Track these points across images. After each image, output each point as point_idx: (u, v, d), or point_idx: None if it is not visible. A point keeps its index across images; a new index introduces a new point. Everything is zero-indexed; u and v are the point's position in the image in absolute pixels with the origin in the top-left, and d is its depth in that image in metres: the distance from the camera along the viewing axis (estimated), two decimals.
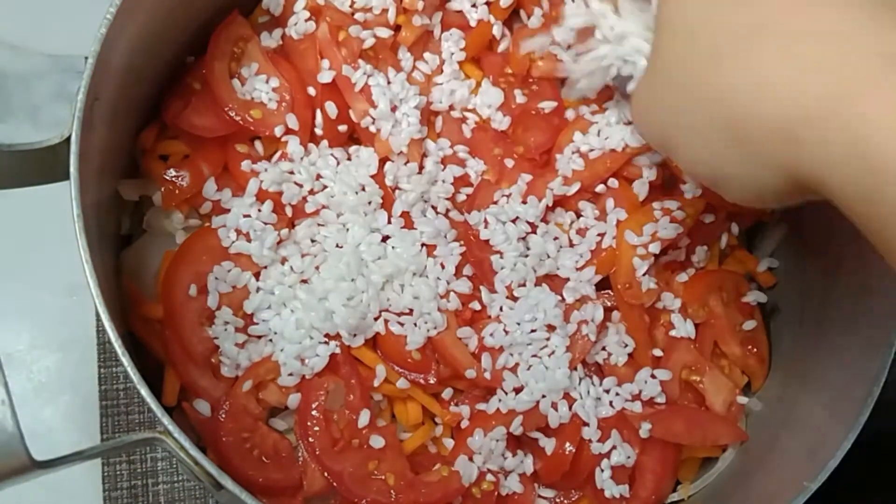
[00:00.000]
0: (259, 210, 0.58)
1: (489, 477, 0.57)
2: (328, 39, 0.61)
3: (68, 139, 0.48)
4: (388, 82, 0.62)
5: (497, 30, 0.67)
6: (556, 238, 0.61)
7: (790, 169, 0.39)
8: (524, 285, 0.60)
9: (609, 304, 0.61)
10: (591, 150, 0.62)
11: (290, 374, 0.56)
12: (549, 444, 0.58)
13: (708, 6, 0.42)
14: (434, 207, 0.61)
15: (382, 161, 0.61)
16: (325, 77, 0.61)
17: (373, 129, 0.61)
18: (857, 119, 0.34)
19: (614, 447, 0.59)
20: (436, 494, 0.55)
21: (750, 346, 0.63)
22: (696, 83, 0.42)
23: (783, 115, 0.37)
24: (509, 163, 0.64)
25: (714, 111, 0.41)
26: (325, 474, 0.54)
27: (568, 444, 0.58)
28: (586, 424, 0.58)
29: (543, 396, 0.58)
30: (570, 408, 0.58)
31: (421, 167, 0.62)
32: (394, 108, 0.61)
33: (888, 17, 0.36)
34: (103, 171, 0.55)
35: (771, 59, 0.38)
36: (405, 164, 0.61)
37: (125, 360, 0.46)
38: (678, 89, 0.44)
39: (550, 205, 0.62)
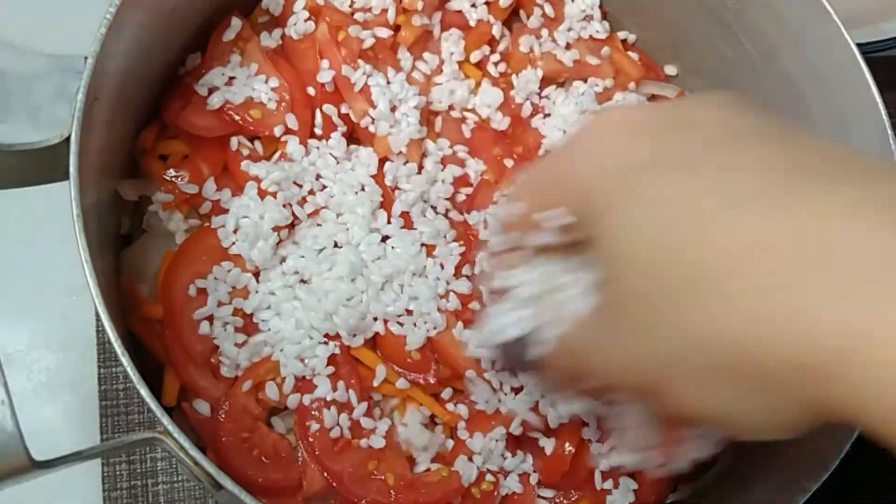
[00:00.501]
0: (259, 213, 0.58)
1: (489, 477, 0.57)
2: (328, 39, 0.61)
3: (68, 139, 0.48)
4: (388, 82, 0.62)
5: (497, 30, 0.67)
6: None
7: (816, 406, 0.32)
8: None
9: None
10: None
11: (291, 375, 0.56)
12: (548, 444, 0.58)
13: (667, 232, 0.34)
14: (434, 207, 0.61)
15: (382, 161, 0.61)
16: (325, 77, 0.61)
17: (372, 129, 0.61)
18: (890, 348, 0.29)
19: (614, 447, 0.59)
20: (435, 494, 0.55)
21: None
22: (677, 324, 0.34)
23: (800, 353, 0.31)
24: (509, 163, 0.64)
25: (710, 354, 0.33)
26: (325, 474, 0.54)
27: (567, 445, 0.58)
28: (586, 424, 0.58)
29: (543, 396, 0.58)
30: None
31: (420, 167, 0.62)
32: (393, 108, 0.61)
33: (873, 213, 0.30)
34: (103, 171, 0.55)
35: (767, 285, 0.31)
36: (404, 164, 0.61)
37: (125, 360, 0.46)
38: (651, 332, 0.35)
39: None
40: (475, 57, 0.66)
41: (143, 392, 0.46)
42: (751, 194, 0.32)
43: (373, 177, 0.60)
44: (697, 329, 0.33)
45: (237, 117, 0.59)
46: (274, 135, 0.60)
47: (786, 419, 0.34)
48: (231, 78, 0.61)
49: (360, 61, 0.61)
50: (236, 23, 0.62)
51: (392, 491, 0.54)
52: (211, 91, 0.60)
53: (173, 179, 0.59)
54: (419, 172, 0.61)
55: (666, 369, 0.35)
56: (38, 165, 0.49)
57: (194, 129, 0.59)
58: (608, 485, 0.59)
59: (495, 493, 0.57)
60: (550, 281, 0.42)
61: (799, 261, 0.31)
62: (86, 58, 0.49)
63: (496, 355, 0.49)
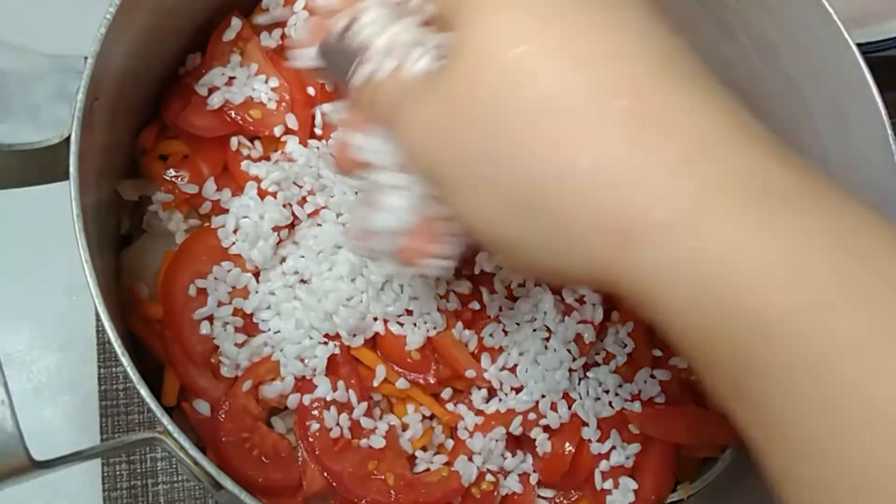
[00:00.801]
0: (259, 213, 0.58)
1: (489, 477, 0.57)
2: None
3: (68, 139, 0.48)
4: None
5: None
6: None
7: (607, 270, 0.32)
8: (524, 285, 0.60)
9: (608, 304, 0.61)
10: None
11: (291, 375, 0.56)
12: (548, 445, 0.58)
13: (546, 29, 0.33)
14: None
15: None
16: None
17: None
18: (705, 240, 0.29)
19: (614, 447, 0.59)
20: (435, 494, 0.55)
21: None
22: (505, 128, 0.32)
23: (614, 214, 0.31)
24: None
25: (523, 174, 0.32)
26: (325, 474, 0.54)
27: (567, 445, 0.58)
28: (586, 424, 0.58)
29: (543, 396, 0.58)
30: (570, 408, 0.58)
31: None
32: None
33: (755, 136, 0.32)
34: (103, 171, 0.55)
35: (619, 141, 0.31)
36: None
37: (125, 360, 0.46)
38: (475, 124, 0.33)
39: None
40: None
41: (143, 392, 0.46)
42: (601, 59, 0.32)
43: None
44: (526, 141, 0.32)
45: (237, 117, 0.59)
46: (274, 135, 0.60)
47: (572, 268, 0.33)
48: (231, 78, 0.61)
49: None
50: (236, 23, 0.62)
51: (392, 491, 0.54)
52: (211, 91, 0.60)
53: (173, 179, 0.59)
54: None
55: (473, 167, 0.34)
56: (38, 165, 0.49)
57: (194, 129, 0.59)
58: (608, 485, 0.59)
59: (495, 493, 0.57)
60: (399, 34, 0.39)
61: (655, 136, 0.31)
62: (86, 58, 0.50)
63: (324, 50, 0.42)
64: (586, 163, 0.31)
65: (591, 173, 0.31)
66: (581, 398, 0.59)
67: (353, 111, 0.42)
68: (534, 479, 0.59)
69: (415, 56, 0.38)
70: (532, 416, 0.58)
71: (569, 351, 0.59)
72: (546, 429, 0.58)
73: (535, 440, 0.58)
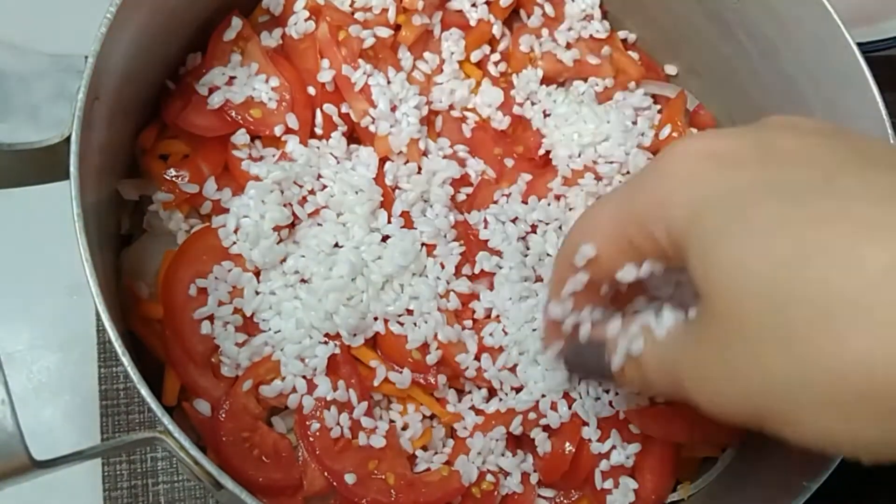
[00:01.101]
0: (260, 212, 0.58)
1: (489, 477, 0.57)
2: (328, 39, 0.61)
3: (68, 139, 0.48)
4: (388, 82, 0.62)
5: (497, 29, 0.67)
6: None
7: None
8: (526, 280, 0.60)
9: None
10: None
11: (291, 374, 0.56)
12: (548, 444, 0.58)
13: (787, 263, 0.33)
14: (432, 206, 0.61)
15: (382, 161, 0.61)
16: (325, 76, 0.61)
17: (372, 128, 0.61)
18: None
19: (614, 447, 0.59)
20: (436, 494, 0.55)
21: None
22: (803, 352, 0.33)
23: None
24: (509, 162, 0.64)
25: (840, 381, 0.33)
26: (325, 474, 0.54)
27: (568, 444, 0.58)
28: (586, 424, 0.58)
29: (543, 396, 0.58)
30: (570, 407, 0.58)
31: (420, 167, 0.62)
32: (393, 108, 0.61)
33: None
34: (103, 171, 0.55)
35: None
36: (405, 163, 0.61)
37: (125, 360, 0.46)
38: (767, 360, 0.35)
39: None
40: (475, 56, 0.66)
41: (144, 392, 0.46)
42: (881, 223, 0.32)
43: (373, 177, 0.60)
44: (830, 356, 0.33)
45: (238, 117, 0.59)
46: (274, 134, 0.60)
47: None
48: (231, 77, 0.61)
49: (360, 61, 0.61)
50: (237, 22, 0.62)
51: (392, 490, 0.54)
52: (211, 91, 0.60)
53: (173, 179, 0.59)
54: (419, 172, 0.61)
55: (783, 396, 0.35)
56: (38, 165, 0.49)
57: (194, 128, 0.59)
58: (608, 484, 0.59)
59: (495, 492, 0.57)
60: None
61: None
62: (86, 57, 0.50)
63: (572, 360, 0.49)
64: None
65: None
66: (581, 398, 0.59)
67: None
68: (534, 478, 0.59)
69: (662, 317, 0.41)
70: (532, 415, 0.58)
71: None
72: (546, 428, 0.58)
73: (535, 440, 0.58)
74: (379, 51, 0.63)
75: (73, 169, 0.48)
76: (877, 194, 0.33)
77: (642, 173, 0.40)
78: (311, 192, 0.59)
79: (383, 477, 0.55)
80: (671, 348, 0.40)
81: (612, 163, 0.64)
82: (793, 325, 0.33)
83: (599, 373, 0.45)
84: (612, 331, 0.44)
